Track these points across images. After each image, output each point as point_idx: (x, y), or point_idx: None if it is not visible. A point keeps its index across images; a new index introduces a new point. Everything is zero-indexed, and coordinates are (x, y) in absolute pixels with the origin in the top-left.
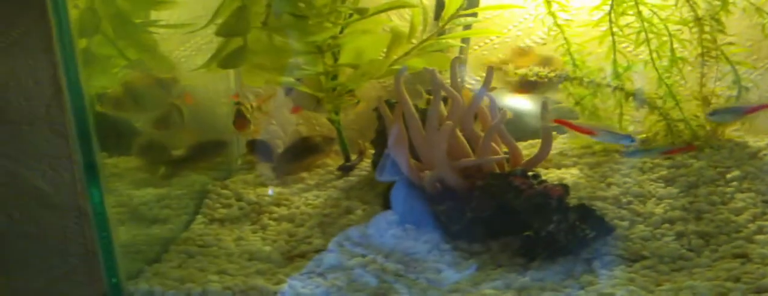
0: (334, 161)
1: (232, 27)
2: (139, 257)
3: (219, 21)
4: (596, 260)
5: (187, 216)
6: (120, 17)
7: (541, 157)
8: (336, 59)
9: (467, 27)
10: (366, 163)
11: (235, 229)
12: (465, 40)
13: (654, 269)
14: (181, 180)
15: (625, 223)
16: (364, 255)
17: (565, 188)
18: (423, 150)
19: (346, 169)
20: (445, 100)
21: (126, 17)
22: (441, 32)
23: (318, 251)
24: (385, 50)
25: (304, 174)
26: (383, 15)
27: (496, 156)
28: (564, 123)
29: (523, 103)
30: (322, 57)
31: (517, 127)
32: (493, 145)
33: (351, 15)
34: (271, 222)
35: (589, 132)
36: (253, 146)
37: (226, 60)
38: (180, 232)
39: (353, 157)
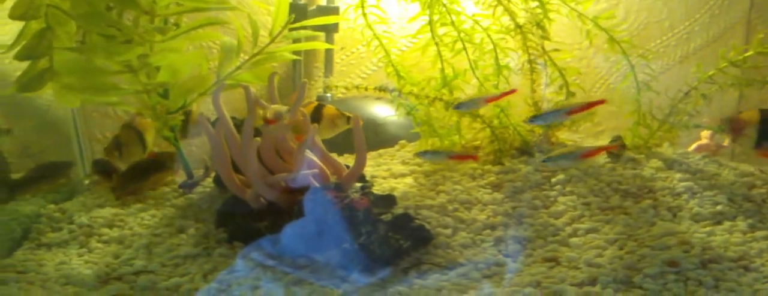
0: (182, 178)
1: (34, 49)
2: None
3: (23, 43)
4: (413, 269)
5: (11, 242)
6: None
7: (357, 170)
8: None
9: (330, 39)
10: (210, 180)
11: (60, 253)
12: (329, 49)
13: (467, 276)
14: (13, 205)
15: (448, 231)
16: (181, 276)
17: (388, 199)
18: (241, 166)
19: (187, 187)
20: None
21: None
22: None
23: (137, 273)
24: (216, 64)
25: (147, 193)
26: (210, 31)
27: (308, 171)
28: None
29: (385, 111)
30: (136, 76)
31: (377, 135)
32: (315, 159)
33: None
34: (100, 244)
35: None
36: (98, 165)
37: (27, 83)
38: (2, 258)
39: (199, 173)
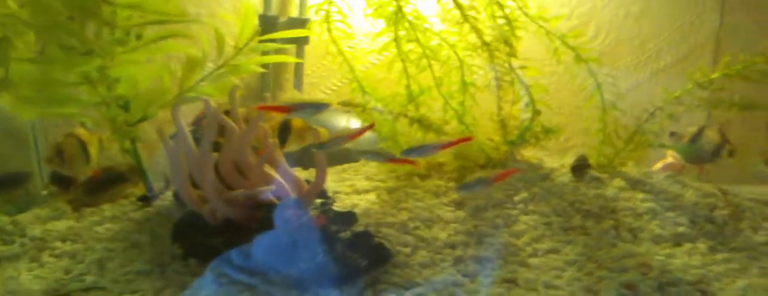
0: (141, 190)
1: None
2: None
3: None
4: (369, 289)
5: None
6: None
7: (317, 186)
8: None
9: (300, 50)
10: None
11: (10, 268)
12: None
13: None
14: None
15: (408, 249)
16: (132, 293)
17: (348, 216)
18: (197, 181)
19: (146, 199)
20: None
21: None
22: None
23: (88, 289)
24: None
25: (105, 206)
26: (173, 43)
27: (263, 188)
28: (264, 107)
29: (354, 125)
30: (95, 88)
31: (346, 149)
32: (274, 175)
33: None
34: (52, 258)
35: (285, 109)
36: (56, 176)
37: None
38: None
39: (160, 186)
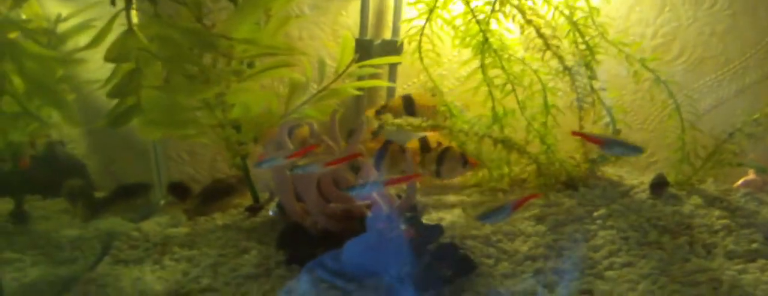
0: (248, 201)
1: (124, 88)
2: None
3: (114, 82)
4: None
5: (94, 258)
6: (31, 77)
7: (408, 201)
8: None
9: (393, 70)
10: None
11: (136, 270)
12: (392, 79)
13: None
14: (96, 223)
15: (491, 261)
16: (242, 295)
17: (435, 229)
18: (301, 195)
19: (253, 210)
20: None
21: (36, 77)
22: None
23: (203, 291)
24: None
25: (217, 215)
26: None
27: (359, 203)
28: (578, 134)
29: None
30: (212, 112)
31: None
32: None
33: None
34: (171, 262)
35: (598, 141)
36: (172, 188)
37: (116, 118)
38: (85, 272)
39: (265, 197)
